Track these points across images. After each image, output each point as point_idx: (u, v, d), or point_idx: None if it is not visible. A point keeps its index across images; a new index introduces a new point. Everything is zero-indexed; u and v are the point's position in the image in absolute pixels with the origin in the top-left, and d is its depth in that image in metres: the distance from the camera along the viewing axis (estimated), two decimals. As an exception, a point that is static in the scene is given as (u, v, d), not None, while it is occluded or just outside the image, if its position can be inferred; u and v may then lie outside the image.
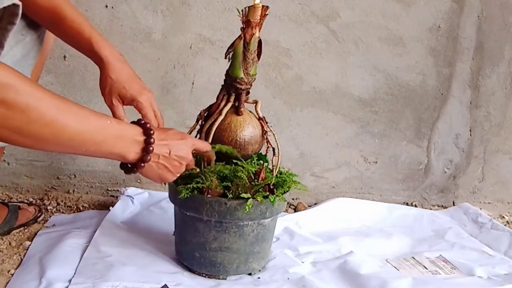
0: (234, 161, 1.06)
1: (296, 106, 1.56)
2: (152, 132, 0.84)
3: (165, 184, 1.11)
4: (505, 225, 1.59)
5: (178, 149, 0.89)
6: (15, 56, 0.87)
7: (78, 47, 0.98)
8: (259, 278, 1.12)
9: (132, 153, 0.82)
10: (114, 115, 0.99)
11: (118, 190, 1.50)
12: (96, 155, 0.79)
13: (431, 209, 1.70)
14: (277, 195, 1.04)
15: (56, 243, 1.14)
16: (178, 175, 0.91)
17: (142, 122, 0.85)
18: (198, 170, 1.04)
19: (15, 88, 0.67)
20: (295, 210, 1.57)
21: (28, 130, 0.69)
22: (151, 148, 0.83)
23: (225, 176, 1.04)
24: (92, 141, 0.77)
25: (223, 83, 1.11)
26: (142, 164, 0.84)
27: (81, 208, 1.44)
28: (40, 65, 1.06)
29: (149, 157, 0.84)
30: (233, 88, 1.09)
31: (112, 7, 1.40)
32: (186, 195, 1.01)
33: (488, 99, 1.69)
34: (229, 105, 1.09)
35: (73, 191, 1.50)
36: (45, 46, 1.01)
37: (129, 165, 0.86)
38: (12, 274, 1.05)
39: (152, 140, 0.83)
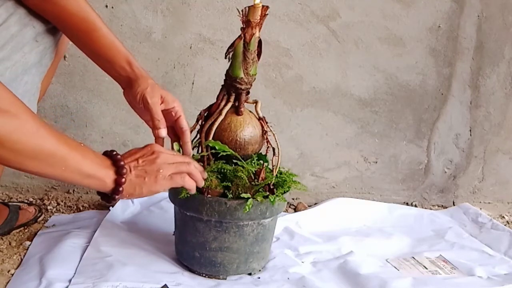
0: (234, 161, 1.06)
1: (296, 106, 1.57)
2: (114, 152, 0.85)
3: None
4: (505, 225, 1.59)
5: (145, 153, 0.90)
6: (26, 64, 0.87)
7: (108, 58, 0.98)
8: (259, 278, 1.12)
9: (110, 175, 0.83)
10: (156, 114, 0.97)
11: (118, 190, 1.50)
12: (75, 176, 0.79)
13: (431, 209, 1.70)
14: (277, 195, 1.04)
15: (56, 243, 1.14)
16: (162, 175, 0.88)
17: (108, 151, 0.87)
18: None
19: (2, 96, 0.68)
20: (295, 210, 1.57)
21: (10, 139, 0.69)
22: (121, 163, 0.84)
23: (225, 176, 1.04)
24: (73, 158, 0.77)
25: (223, 83, 1.11)
26: (123, 180, 0.83)
27: (81, 208, 1.44)
28: (51, 72, 1.05)
29: (124, 170, 0.83)
30: (233, 88, 1.09)
31: (112, 7, 1.40)
32: (186, 195, 1.01)
33: (488, 99, 1.69)
34: (229, 105, 1.09)
35: (73, 191, 1.50)
36: (58, 53, 1.01)
37: (109, 192, 0.85)
38: (12, 274, 1.05)
39: (119, 157, 0.84)
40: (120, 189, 0.83)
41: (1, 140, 0.69)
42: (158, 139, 1.02)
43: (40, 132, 0.73)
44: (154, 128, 0.98)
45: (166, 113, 1.00)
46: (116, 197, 0.84)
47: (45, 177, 0.79)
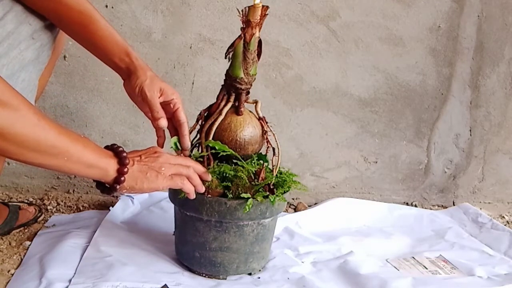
0: (234, 161, 1.06)
1: (296, 106, 1.57)
2: (115, 145, 0.86)
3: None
4: (505, 225, 1.59)
5: (148, 151, 0.92)
6: (23, 60, 0.87)
7: (107, 50, 0.98)
8: (259, 278, 1.12)
9: (112, 164, 0.84)
10: (155, 106, 0.98)
11: (118, 190, 1.50)
12: (78, 166, 0.79)
13: (431, 209, 1.71)
14: (277, 195, 1.04)
15: (56, 243, 1.14)
16: (164, 173, 0.89)
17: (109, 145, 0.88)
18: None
19: (1, 89, 0.68)
20: (295, 210, 1.57)
21: (12, 132, 0.69)
22: (124, 154, 0.85)
23: (225, 176, 1.04)
24: (74, 148, 0.77)
25: (223, 83, 1.11)
26: (125, 169, 0.84)
27: (81, 208, 1.44)
28: (49, 70, 1.06)
29: (127, 160, 0.84)
30: (233, 88, 1.09)
31: (112, 7, 1.40)
32: (185, 195, 1.00)
33: (488, 99, 1.69)
34: (229, 105, 1.09)
35: (73, 191, 1.50)
36: (56, 50, 1.01)
37: (110, 182, 0.85)
38: (12, 274, 1.05)
39: (121, 149, 0.85)
40: (122, 178, 0.84)
41: (3, 133, 0.69)
42: (159, 130, 1.03)
43: (41, 124, 0.73)
44: (154, 119, 0.98)
45: (165, 105, 1.01)
46: (118, 187, 0.84)
47: (48, 169, 0.79)
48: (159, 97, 0.99)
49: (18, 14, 0.86)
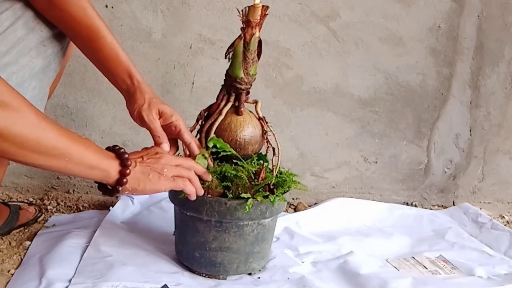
0: (234, 161, 1.06)
1: (296, 106, 1.57)
2: (117, 147, 0.86)
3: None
4: (505, 225, 1.59)
5: (149, 152, 0.92)
6: (34, 68, 0.87)
7: (110, 69, 0.98)
8: (259, 278, 1.12)
9: (114, 165, 0.83)
10: (155, 131, 0.98)
11: (118, 190, 1.50)
12: (79, 168, 0.79)
13: (431, 209, 1.71)
14: (277, 195, 1.04)
15: (56, 243, 1.14)
16: (166, 175, 0.89)
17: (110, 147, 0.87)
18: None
19: (1, 90, 0.68)
20: (295, 210, 1.57)
21: (12, 132, 0.69)
22: (126, 156, 0.84)
23: (225, 176, 1.04)
24: (76, 149, 0.77)
25: (223, 83, 1.11)
26: (128, 171, 0.83)
27: (81, 208, 1.44)
28: (58, 76, 1.05)
29: (129, 162, 0.84)
30: (233, 88, 1.09)
31: (112, 7, 1.40)
32: (185, 195, 1.00)
33: (488, 99, 1.69)
34: (229, 105, 1.09)
35: (73, 191, 1.50)
36: (66, 57, 1.01)
37: (113, 183, 0.84)
38: (12, 274, 1.05)
39: (123, 150, 0.85)
40: (124, 180, 0.83)
41: (3, 134, 0.68)
42: None
43: (41, 125, 0.72)
44: (156, 144, 0.99)
45: (167, 127, 1.01)
46: (120, 188, 0.84)
47: (50, 170, 0.79)
48: (159, 119, 0.99)
49: (29, 20, 0.85)
